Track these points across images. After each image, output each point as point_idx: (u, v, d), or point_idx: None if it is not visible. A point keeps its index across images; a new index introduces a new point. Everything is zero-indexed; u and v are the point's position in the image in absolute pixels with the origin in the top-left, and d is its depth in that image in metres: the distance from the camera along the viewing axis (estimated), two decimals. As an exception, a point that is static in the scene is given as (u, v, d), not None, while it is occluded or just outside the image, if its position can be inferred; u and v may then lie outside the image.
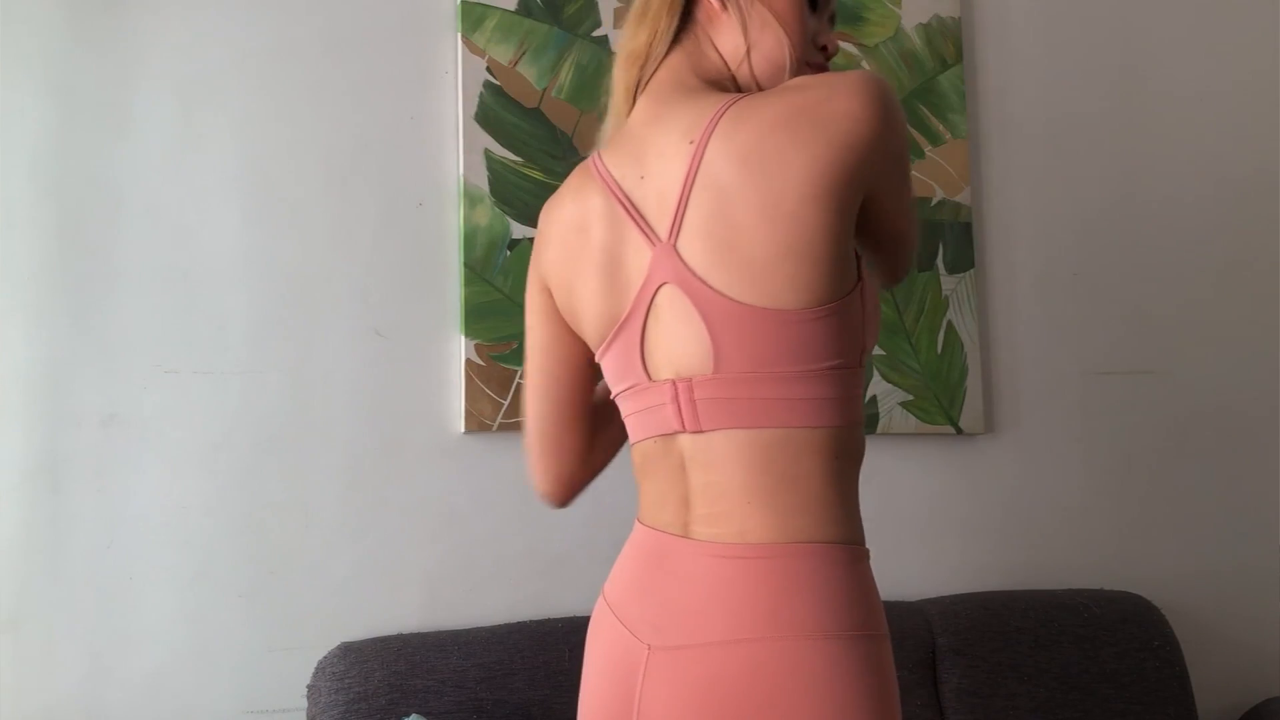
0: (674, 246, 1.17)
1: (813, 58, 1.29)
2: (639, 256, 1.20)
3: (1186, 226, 2.54)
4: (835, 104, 1.12)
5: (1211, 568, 2.43)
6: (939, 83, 2.39)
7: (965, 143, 2.39)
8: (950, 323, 2.33)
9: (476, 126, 2.10)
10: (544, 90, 2.14)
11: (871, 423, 2.24)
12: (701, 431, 1.16)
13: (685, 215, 1.16)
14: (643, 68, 1.27)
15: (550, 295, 1.32)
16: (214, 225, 1.98)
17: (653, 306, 1.19)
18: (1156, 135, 2.55)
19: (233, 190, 2.00)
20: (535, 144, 2.12)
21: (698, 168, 1.15)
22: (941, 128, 2.38)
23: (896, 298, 2.30)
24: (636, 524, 1.25)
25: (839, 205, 1.13)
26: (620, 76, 1.29)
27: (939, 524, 2.30)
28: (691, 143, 1.16)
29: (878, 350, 2.27)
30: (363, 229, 2.06)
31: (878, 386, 2.27)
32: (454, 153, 2.10)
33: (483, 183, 2.09)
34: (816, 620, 1.10)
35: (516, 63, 2.14)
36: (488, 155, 2.10)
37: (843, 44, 2.32)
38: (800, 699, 1.08)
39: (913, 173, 2.32)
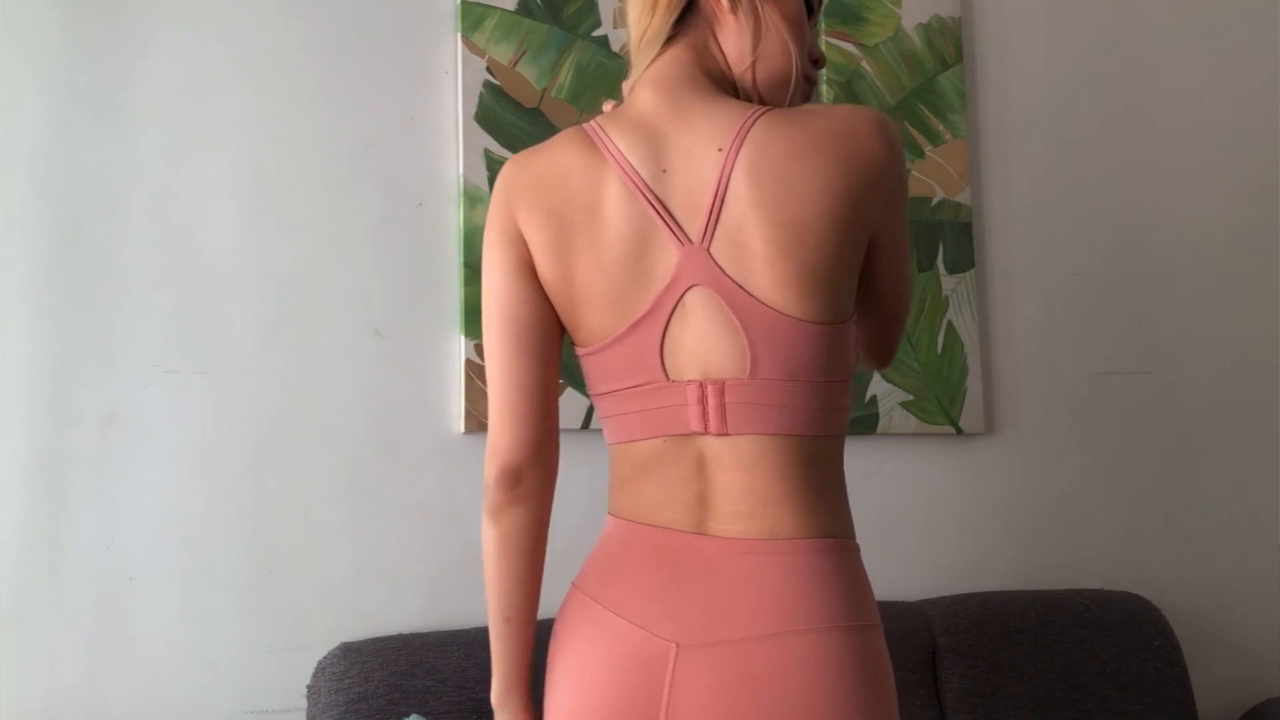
0: (707, 250, 1.17)
1: (808, 71, 1.32)
2: (665, 255, 1.19)
3: (1186, 226, 2.53)
4: (860, 142, 1.18)
5: (1211, 568, 2.43)
6: (939, 83, 2.39)
7: (965, 143, 2.39)
8: (950, 323, 2.33)
9: (476, 126, 2.10)
10: (544, 90, 2.14)
11: (871, 423, 2.24)
12: (726, 434, 1.18)
13: (719, 220, 1.17)
14: (639, 54, 1.29)
15: (526, 248, 1.26)
16: (214, 225, 1.98)
17: (679, 306, 1.19)
18: (1157, 135, 2.55)
19: (233, 190, 2.00)
20: (535, 144, 2.11)
21: (729, 176, 1.17)
22: (941, 128, 2.38)
23: (896, 298, 2.30)
24: (621, 522, 1.25)
25: (854, 232, 1.18)
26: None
27: (939, 524, 2.30)
28: (720, 150, 1.18)
29: (878, 350, 2.27)
30: (363, 229, 2.06)
31: (878, 386, 2.27)
32: (454, 153, 2.10)
33: (483, 183, 2.09)
34: (841, 612, 1.15)
35: (516, 63, 2.14)
36: (488, 155, 2.10)
37: (843, 44, 2.33)
38: (832, 689, 1.13)
39: (913, 173, 2.35)
